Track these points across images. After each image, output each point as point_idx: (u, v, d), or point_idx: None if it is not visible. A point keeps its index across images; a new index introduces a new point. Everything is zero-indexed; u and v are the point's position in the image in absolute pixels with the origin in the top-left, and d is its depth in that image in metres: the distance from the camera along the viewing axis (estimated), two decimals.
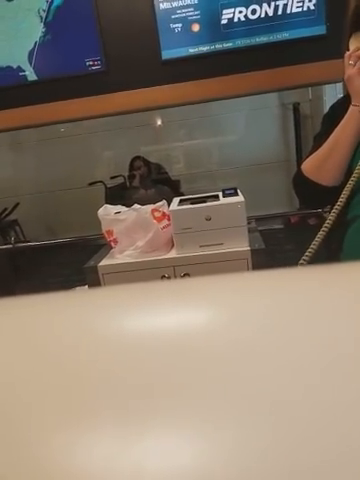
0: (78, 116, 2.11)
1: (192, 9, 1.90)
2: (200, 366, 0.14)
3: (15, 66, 2.03)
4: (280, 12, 1.87)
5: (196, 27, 1.92)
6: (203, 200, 1.73)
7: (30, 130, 3.39)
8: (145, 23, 1.94)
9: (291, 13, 1.87)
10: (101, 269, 1.72)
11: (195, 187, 4.57)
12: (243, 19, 1.89)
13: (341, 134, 0.98)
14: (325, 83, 2.84)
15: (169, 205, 1.74)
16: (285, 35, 1.90)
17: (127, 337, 0.16)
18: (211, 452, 0.11)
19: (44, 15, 1.97)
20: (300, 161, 1.16)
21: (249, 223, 1.83)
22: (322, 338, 0.15)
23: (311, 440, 0.11)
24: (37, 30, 1.98)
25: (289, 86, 2.11)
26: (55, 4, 1.95)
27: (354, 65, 0.96)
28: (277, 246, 4.15)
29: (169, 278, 1.67)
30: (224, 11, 1.89)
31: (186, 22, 1.92)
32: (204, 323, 0.17)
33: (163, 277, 1.68)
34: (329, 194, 0.98)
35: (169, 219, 1.70)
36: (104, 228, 1.77)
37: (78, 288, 2.15)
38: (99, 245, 2.02)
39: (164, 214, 1.72)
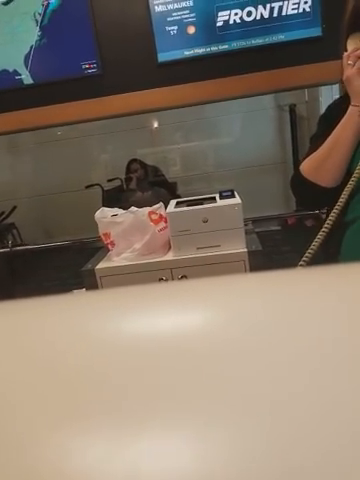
0: (74, 119, 2.11)
1: (188, 11, 1.91)
2: (197, 368, 0.14)
3: (11, 70, 2.03)
4: (276, 14, 1.88)
5: (192, 29, 1.93)
6: (200, 202, 1.73)
7: (26, 133, 3.38)
8: (141, 26, 1.94)
9: (287, 15, 1.88)
10: (98, 272, 1.72)
11: (192, 189, 4.58)
12: (239, 21, 1.90)
13: (341, 134, 0.98)
14: (321, 85, 2.85)
15: (166, 207, 1.74)
16: (281, 37, 1.90)
17: (125, 339, 0.16)
18: (208, 454, 0.11)
19: (40, 19, 1.97)
20: (297, 163, 1.16)
21: (246, 225, 1.83)
22: (320, 339, 0.15)
23: (308, 442, 0.11)
24: (33, 34, 1.98)
25: (285, 88, 2.11)
26: (51, 8, 1.95)
27: (353, 65, 0.96)
28: (274, 248, 4.15)
29: (166, 280, 1.67)
30: (219, 13, 1.90)
31: (182, 24, 1.92)
32: (201, 325, 0.17)
33: (160, 279, 1.68)
34: (328, 195, 0.98)
35: (166, 221, 1.70)
36: (101, 231, 1.77)
37: (75, 291, 2.15)
38: (96, 248, 2.02)
39: (161, 216, 1.72)
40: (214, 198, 1.75)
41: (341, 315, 0.16)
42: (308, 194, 1.07)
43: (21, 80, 2.04)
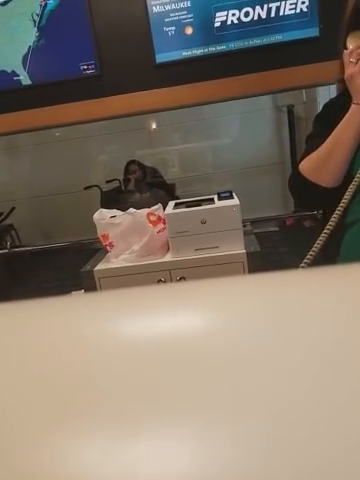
0: (73, 120, 2.11)
1: (185, 12, 1.91)
2: (196, 370, 0.14)
3: (9, 70, 2.03)
4: (273, 14, 1.88)
5: (189, 30, 1.93)
6: (198, 203, 1.74)
7: (25, 134, 3.38)
8: (139, 27, 1.95)
9: (284, 15, 1.88)
10: (97, 273, 1.72)
11: (190, 190, 4.57)
12: (236, 22, 1.90)
13: (342, 134, 0.96)
14: (319, 85, 2.85)
15: (164, 209, 1.74)
16: (278, 37, 1.90)
17: (123, 341, 0.16)
18: (206, 457, 0.11)
19: (38, 19, 1.97)
20: (295, 163, 1.15)
21: (244, 226, 1.83)
22: (320, 341, 0.15)
23: (308, 442, 0.11)
24: (31, 34, 1.98)
25: (283, 88, 2.11)
26: (49, 8, 1.95)
27: (356, 63, 0.94)
28: (272, 249, 4.16)
29: (165, 282, 1.67)
30: (217, 14, 1.90)
31: (179, 25, 1.92)
32: (200, 327, 0.17)
33: (159, 281, 1.68)
34: (327, 195, 0.97)
35: (164, 223, 1.70)
36: (100, 232, 1.77)
37: (74, 292, 2.15)
38: (95, 249, 2.02)
39: (159, 218, 1.72)
40: (212, 199, 1.76)
41: (341, 316, 0.16)
42: (307, 194, 1.05)
43: (19, 81, 2.04)
